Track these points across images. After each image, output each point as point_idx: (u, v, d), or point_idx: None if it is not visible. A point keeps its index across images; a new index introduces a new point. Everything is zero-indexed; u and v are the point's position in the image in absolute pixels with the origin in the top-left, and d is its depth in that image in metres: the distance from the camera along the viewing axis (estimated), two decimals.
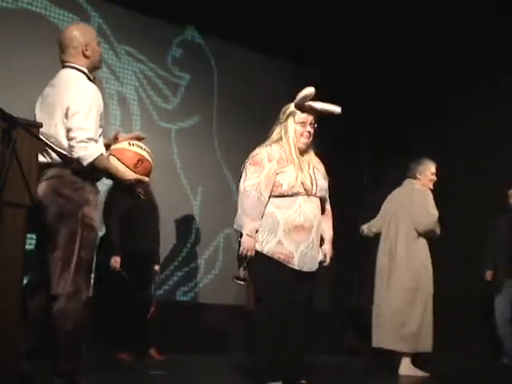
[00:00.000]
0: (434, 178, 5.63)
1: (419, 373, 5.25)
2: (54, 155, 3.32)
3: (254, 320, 3.97)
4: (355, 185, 8.02)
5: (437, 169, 5.65)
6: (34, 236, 3.61)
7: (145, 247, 5.84)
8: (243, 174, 3.89)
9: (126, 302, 5.64)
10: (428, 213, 5.47)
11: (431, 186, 5.61)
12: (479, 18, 6.91)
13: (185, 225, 7.21)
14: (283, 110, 4.03)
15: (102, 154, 3.35)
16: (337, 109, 3.94)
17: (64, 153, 3.33)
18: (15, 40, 6.01)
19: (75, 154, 3.29)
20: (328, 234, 4.06)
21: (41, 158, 3.25)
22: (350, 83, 7.82)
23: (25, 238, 3.00)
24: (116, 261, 5.65)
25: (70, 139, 3.31)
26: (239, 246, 3.88)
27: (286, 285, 3.80)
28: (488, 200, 6.56)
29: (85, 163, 3.29)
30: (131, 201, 5.77)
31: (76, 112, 3.31)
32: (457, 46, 7.20)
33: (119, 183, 3.51)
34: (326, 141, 7.69)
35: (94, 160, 3.30)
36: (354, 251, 6.10)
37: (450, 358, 5.97)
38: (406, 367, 5.31)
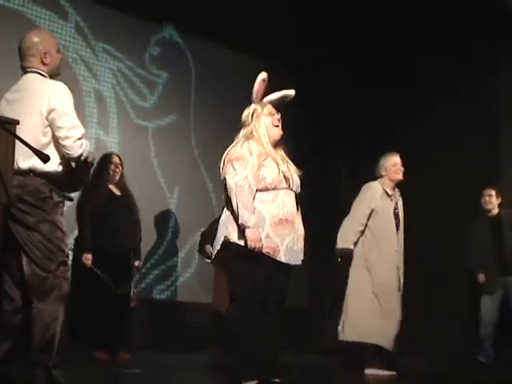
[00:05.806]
0: (400, 168, 5.40)
1: (385, 372, 5.25)
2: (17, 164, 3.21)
3: (229, 319, 3.97)
4: (332, 183, 8.06)
5: (401, 158, 5.43)
6: None
7: (122, 243, 5.78)
8: (229, 171, 3.82)
9: (102, 299, 5.59)
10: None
11: (400, 177, 5.39)
12: (469, 19, 7.01)
13: (161, 223, 7.21)
14: (245, 113, 4.06)
15: None
16: (291, 91, 4.12)
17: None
18: None
19: (75, 153, 3.33)
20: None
21: None
22: (326, 82, 7.87)
23: (2, 236, 2.97)
24: (87, 258, 5.59)
25: (64, 138, 3.31)
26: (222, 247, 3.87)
27: (263, 283, 3.80)
28: (465, 200, 6.59)
29: (83, 159, 3.36)
30: (107, 198, 5.76)
31: (63, 112, 3.32)
32: (447, 43, 7.28)
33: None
34: (304, 140, 7.78)
35: (87, 155, 3.39)
36: (332, 249, 6.06)
37: (424, 356, 6.04)
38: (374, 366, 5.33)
